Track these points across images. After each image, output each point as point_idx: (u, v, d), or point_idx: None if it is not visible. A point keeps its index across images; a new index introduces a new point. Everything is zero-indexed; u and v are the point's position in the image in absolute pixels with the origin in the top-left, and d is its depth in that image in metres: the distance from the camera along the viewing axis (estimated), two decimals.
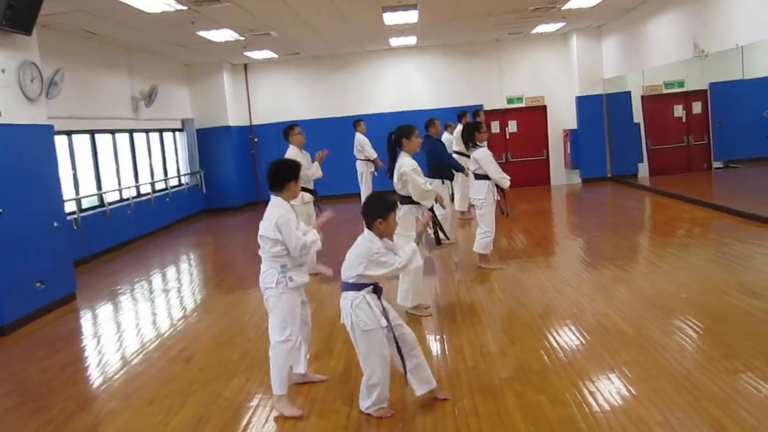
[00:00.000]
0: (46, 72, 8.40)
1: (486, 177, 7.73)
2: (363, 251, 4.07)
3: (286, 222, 4.30)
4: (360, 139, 13.44)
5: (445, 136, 13.95)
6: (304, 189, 8.33)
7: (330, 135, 15.76)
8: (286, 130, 8.50)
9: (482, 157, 7.75)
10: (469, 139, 7.97)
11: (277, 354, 4.41)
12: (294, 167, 4.52)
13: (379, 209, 4.14)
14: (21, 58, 7.54)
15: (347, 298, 4.12)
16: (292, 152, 8.25)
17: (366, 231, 4.17)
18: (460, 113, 12.22)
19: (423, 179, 6.24)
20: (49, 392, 5.18)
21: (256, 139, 16.91)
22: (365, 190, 13.46)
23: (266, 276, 4.45)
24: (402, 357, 4.17)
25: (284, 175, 4.45)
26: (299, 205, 8.26)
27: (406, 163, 6.19)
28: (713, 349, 4.82)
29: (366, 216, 4.17)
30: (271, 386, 4.42)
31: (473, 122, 8.36)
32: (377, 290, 4.14)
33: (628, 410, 3.97)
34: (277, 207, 4.40)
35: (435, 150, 9.57)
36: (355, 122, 13.67)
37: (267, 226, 4.36)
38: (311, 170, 8.33)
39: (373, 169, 13.43)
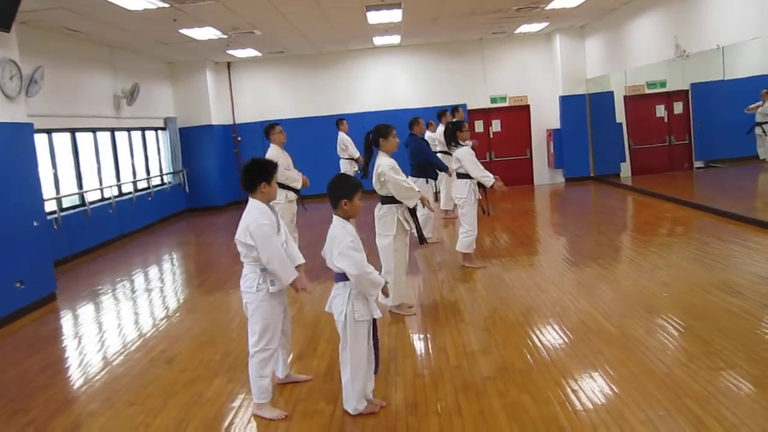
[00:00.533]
0: (25, 69, 8.30)
1: (468, 176, 7.74)
2: (338, 238, 4.02)
3: (258, 227, 4.13)
4: (343, 138, 13.42)
5: (427, 135, 13.96)
6: (288, 188, 8.31)
7: (313, 134, 15.80)
8: (267, 128, 8.48)
9: (464, 155, 7.75)
10: (452, 138, 7.97)
11: (254, 363, 4.30)
12: (264, 169, 4.29)
13: (345, 190, 4.12)
14: None
15: (346, 287, 4.05)
16: (273, 151, 8.22)
17: (335, 218, 4.14)
18: (440, 112, 12.22)
19: (403, 177, 6.20)
20: (28, 394, 5.12)
21: (239, 138, 16.83)
22: None
23: (247, 280, 4.31)
24: (377, 349, 4.18)
25: (255, 177, 4.25)
26: (283, 203, 8.24)
27: (383, 162, 6.14)
28: (694, 347, 4.85)
29: (332, 196, 4.13)
30: (253, 396, 4.38)
31: (455, 121, 8.35)
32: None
33: (611, 408, 3.98)
34: (251, 211, 4.23)
35: (419, 149, 9.54)
36: (337, 121, 13.64)
37: (240, 230, 4.21)
38: (291, 173, 8.30)
39: (357, 168, 13.41)
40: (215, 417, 4.41)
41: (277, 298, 4.36)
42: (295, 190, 8.44)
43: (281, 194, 8.27)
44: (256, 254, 4.18)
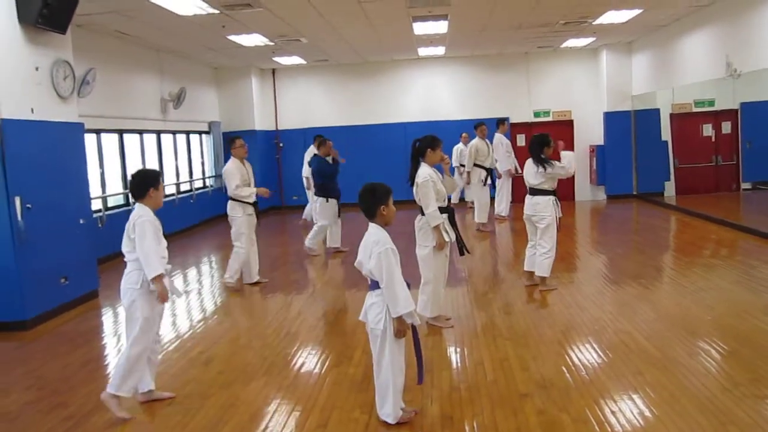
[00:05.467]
0: (78, 71, 8.50)
1: (549, 192, 7.32)
2: (381, 242, 3.98)
3: (143, 222, 4.53)
4: (308, 152, 13.29)
5: (459, 146, 14.22)
6: (244, 202, 8.25)
7: (355, 142, 15.87)
8: (228, 141, 8.52)
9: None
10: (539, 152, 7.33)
11: (128, 357, 4.52)
12: (151, 176, 4.75)
13: (379, 197, 4.09)
14: (55, 57, 7.64)
15: (383, 295, 4.00)
16: (231, 165, 8.24)
17: (372, 225, 4.12)
18: (477, 124, 12.11)
19: (433, 195, 5.98)
20: (69, 389, 5.21)
21: (281, 144, 16.99)
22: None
23: (130, 277, 4.63)
24: (420, 358, 4.16)
25: (143, 184, 4.68)
26: (241, 216, 8.22)
27: (422, 173, 6.05)
28: (739, 373, 4.73)
29: (367, 206, 4.11)
30: (110, 384, 4.54)
31: (543, 134, 7.78)
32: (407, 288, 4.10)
33: (651, 431, 3.90)
34: (138, 211, 4.63)
35: (319, 170, 10.10)
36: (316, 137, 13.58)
37: (128, 226, 4.61)
38: (241, 190, 8.18)
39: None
40: (251, 420, 4.42)
41: (155, 298, 4.64)
42: (252, 204, 8.33)
43: (239, 208, 8.22)
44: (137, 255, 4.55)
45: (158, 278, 4.49)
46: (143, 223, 4.52)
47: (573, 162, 7.36)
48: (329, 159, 10.39)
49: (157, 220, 4.65)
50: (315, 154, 10.39)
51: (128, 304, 4.64)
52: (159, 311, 4.70)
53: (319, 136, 10.75)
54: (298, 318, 7.03)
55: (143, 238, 4.50)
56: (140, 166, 12.03)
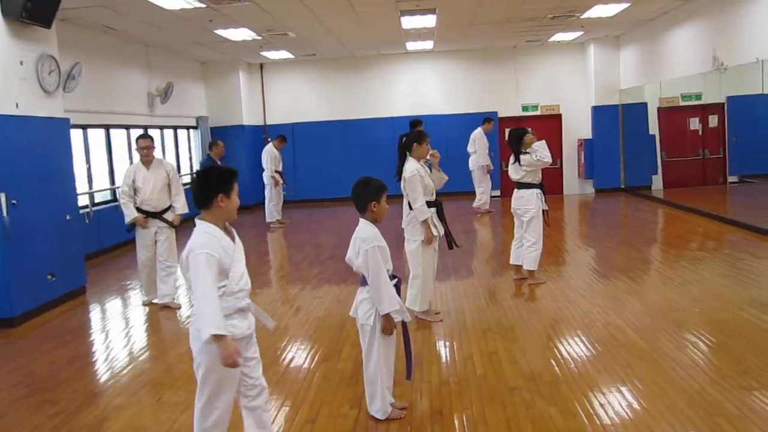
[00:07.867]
0: (64, 65, 8.43)
1: (534, 185, 7.35)
2: (368, 239, 3.97)
3: (195, 256, 3.18)
4: (266, 150, 13.29)
5: None
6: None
7: (344, 137, 15.84)
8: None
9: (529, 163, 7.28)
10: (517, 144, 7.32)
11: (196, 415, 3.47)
12: (223, 177, 3.41)
13: (372, 192, 4.07)
14: (39, 51, 7.56)
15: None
16: (130, 167, 7.62)
17: (362, 221, 4.10)
18: (413, 121, 11.48)
19: (421, 190, 5.99)
20: (56, 385, 5.18)
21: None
22: (270, 201, 13.33)
23: (195, 321, 3.29)
24: (409, 353, 4.16)
25: (211, 188, 3.35)
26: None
27: (409, 168, 6.07)
28: (726, 365, 4.76)
29: (359, 200, 4.08)
30: None
31: (521, 128, 7.61)
32: (398, 285, 4.09)
33: (639, 424, 3.92)
34: (197, 234, 3.31)
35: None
36: (278, 136, 13.53)
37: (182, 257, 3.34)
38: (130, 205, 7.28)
39: (282, 182, 13.41)
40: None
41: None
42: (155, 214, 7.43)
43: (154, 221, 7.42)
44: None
45: (216, 338, 3.07)
46: (196, 257, 3.16)
47: (546, 150, 7.33)
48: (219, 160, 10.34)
49: (223, 239, 3.34)
50: (208, 155, 10.25)
51: (195, 355, 3.34)
52: (230, 376, 3.35)
53: (214, 138, 10.73)
54: (287, 313, 7.02)
55: (196, 276, 3.15)
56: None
